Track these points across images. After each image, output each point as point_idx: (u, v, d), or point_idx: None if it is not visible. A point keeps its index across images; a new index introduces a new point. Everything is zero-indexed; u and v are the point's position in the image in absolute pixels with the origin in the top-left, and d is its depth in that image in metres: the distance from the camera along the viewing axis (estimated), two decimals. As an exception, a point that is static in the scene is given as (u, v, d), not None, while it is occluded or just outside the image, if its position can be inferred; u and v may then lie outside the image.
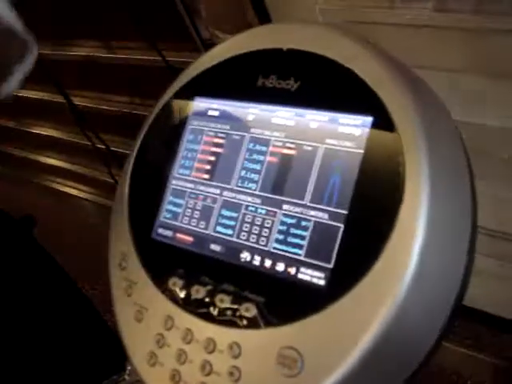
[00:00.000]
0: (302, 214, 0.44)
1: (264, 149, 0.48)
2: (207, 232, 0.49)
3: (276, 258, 0.44)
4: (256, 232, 0.46)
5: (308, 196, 0.44)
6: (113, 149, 1.76)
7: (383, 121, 0.42)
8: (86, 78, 1.85)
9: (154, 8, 1.33)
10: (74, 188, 2.66)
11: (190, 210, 0.50)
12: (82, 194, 2.63)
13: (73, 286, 1.10)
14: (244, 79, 0.51)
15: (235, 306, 0.44)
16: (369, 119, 0.43)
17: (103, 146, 1.76)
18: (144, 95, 1.69)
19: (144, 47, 1.43)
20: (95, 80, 1.84)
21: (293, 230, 0.44)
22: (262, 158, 0.48)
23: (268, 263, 0.44)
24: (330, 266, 0.41)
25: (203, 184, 0.51)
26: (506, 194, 0.98)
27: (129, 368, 0.58)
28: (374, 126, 0.43)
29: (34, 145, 2.65)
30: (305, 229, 0.44)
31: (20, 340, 0.96)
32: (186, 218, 0.50)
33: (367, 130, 0.43)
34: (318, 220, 0.43)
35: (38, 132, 2.48)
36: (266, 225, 0.46)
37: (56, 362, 0.98)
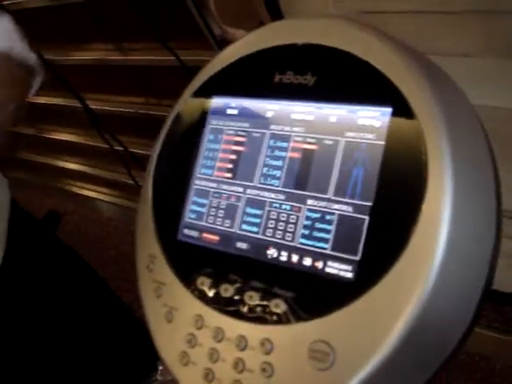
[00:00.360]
0: (326, 208, 0.44)
1: (285, 145, 0.48)
2: (233, 230, 0.49)
3: (303, 252, 0.44)
4: (281, 228, 0.46)
5: (331, 190, 0.44)
6: (131, 150, 1.76)
7: (402, 110, 0.42)
8: (100, 81, 1.86)
9: (165, 7, 1.33)
10: (95, 191, 2.68)
11: (214, 210, 0.51)
12: (102, 197, 2.64)
13: (102, 284, 1.11)
14: (261, 76, 0.51)
15: (265, 303, 0.44)
16: (388, 110, 0.43)
17: (121, 148, 1.76)
18: (159, 95, 1.70)
19: (156, 47, 1.44)
20: (110, 83, 1.85)
21: (318, 225, 0.44)
22: (283, 154, 0.48)
23: (295, 258, 0.45)
24: (357, 258, 0.41)
25: (226, 183, 0.51)
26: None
27: (160, 368, 0.59)
28: (394, 116, 0.43)
29: (54, 150, 2.67)
30: (330, 223, 0.44)
31: (52, 340, 0.97)
32: (210, 217, 0.51)
33: (387, 120, 0.43)
34: (342, 213, 0.43)
35: (56, 137, 2.51)
36: (291, 220, 0.46)
37: (88, 362, 0.99)
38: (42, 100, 2.23)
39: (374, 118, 0.44)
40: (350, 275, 0.41)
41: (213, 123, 0.53)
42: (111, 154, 1.84)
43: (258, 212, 0.48)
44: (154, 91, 1.69)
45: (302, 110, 0.48)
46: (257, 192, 0.48)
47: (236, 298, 0.46)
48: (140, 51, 1.56)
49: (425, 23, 0.81)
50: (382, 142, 0.43)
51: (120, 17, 1.47)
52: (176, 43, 1.37)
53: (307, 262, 0.44)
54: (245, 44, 0.53)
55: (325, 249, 0.43)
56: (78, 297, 1.03)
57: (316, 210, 0.45)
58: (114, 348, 1.01)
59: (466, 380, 1.47)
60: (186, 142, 0.55)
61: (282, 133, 0.48)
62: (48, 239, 1.11)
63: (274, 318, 0.43)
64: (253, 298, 0.45)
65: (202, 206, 0.52)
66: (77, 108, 1.73)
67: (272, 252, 0.46)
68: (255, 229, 0.47)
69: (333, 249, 0.43)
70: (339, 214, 0.43)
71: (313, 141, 0.46)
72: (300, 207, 0.45)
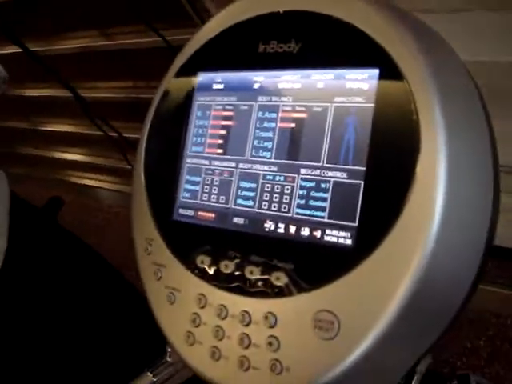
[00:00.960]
0: (320, 175, 0.44)
1: (274, 115, 0.47)
2: (228, 206, 0.48)
3: (300, 223, 0.44)
4: (277, 200, 0.45)
5: (324, 157, 0.44)
6: (126, 135, 1.76)
7: (390, 71, 0.41)
8: (87, 68, 1.85)
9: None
10: (94, 179, 2.68)
11: (208, 187, 0.50)
12: (102, 184, 2.64)
13: (109, 267, 1.11)
14: (244, 48, 0.50)
15: (265, 277, 0.44)
16: (375, 71, 0.42)
17: (115, 134, 1.76)
18: (147, 78, 1.69)
19: (141, 30, 1.43)
20: (97, 69, 1.84)
21: (313, 193, 0.44)
22: (272, 125, 0.47)
23: (293, 229, 0.44)
24: (355, 224, 0.41)
25: (218, 159, 0.50)
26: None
27: (169, 350, 0.59)
28: (382, 77, 0.42)
29: (49, 142, 2.66)
30: (325, 190, 0.43)
31: (61, 324, 0.97)
32: (205, 195, 0.50)
33: (375, 82, 0.42)
34: (337, 180, 0.43)
35: (51, 129, 2.50)
36: (286, 191, 0.45)
37: (97, 346, 0.99)
38: (33, 93, 2.22)
39: (361, 81, 0.43)
40: (349, 242, 0.41)
41: (200, 99, 0.52)
42: (106, 140, 1.83)
43: (252, 185, 0.47)
44: (142, 74, 1.68)
45: (289, 79, 0.47)
46: (249, 165, 0.48)
47: (237, 273, 0.46)
48: (125, 35, 1.54)
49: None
50: (372, 105, 0.42)
51: (102, 1, 1.45)
52: (161, 24, 1.36)
53: (305, 232, 0.43)
54: (226, 16, 0.52)
55: (322, 217, 0.43)
56: (84, 280, 1.03)
57: (310, 179, 0.44)
58: (124, 331, 1.01)
59: (478, 337, 1.48)
60: (174, 121, 0.54)
61: (270, 103, 0.48)
62: (50, 225, 1.11)
63: (276, 290, 0.43)
64: (253, 273, 0.45)
65: (196, 184, 0.51)
66: (68, 98, 1.72)
67: (269, 225, 0.45)
68: (250, 203, 0.47)
69: (330, 217, 0.42)
70: (334, 181, 0.43)
71: (302, 109, 0.46)
72: (294, 177, 0.45)
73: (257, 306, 0.44)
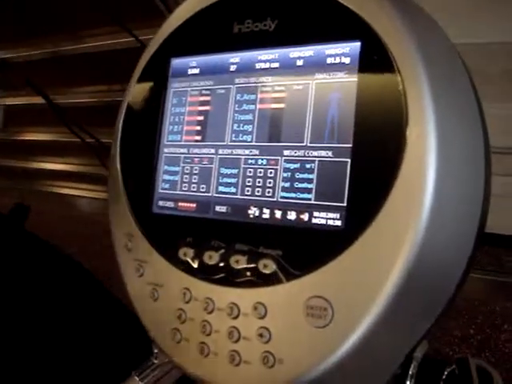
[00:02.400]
0: (304, 156, 0.42)
1: (253, 97, 0.45)
2: (209, 194, 0.46)
3: (286, 207, 0.42)
4: (260, 184, 0.44)
5: (307, 137, 0.42)
6: (102, 140, 1.73)
7: (372, 43, 0.40)
8: (60, 73, 1.82)
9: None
10: (74, 188, 2.64)
11: (187, 176, 0.48)
12: (82, 193, 2.61)
13: (87, 275, 1.09)
14: (218, 29, 0.48)
15: (252, 265, 0.42)
16: (357, 44, 0.41)
17: (93, 140, 1.73)
18: (121, 80, 1.66)
19: (112, 31, 1.41)
20: (70, 74, 1.81)
21: (298, 175, 0.42)
22: (252, 107, 0.45)
23: (278, 214, 0.42)
24: (344, 204, 0.39)
25: (196, 146, 0.48)
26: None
27: (156, 351, 0.57)
28: (363, 50, 0.40)
29: (26, 152, 2.62)
30: (310, 171, 0.41)
31: (42, 331, 0.95)
32: (184, 184, 0.48)
33: (357, 55, 0.40)
34: (322, 159, 0.41)
35: (28, 138, 2.46)
36: (269, 175, 0.43)
37: (81, 352, 0.97)
38: (8, 102, 2.19)
39: (343, 55, 0.41)
40: (338, 223, 0.39)
41: (175, 86, 0.51)
42: (84, 147, 1.80)
43: (234, 171, 0.45)
44: (116, 77, 1.66)
45: (267, 58, 0.45)
46: (229, 150, 0.46)
47: (222, 264, 0.44)
48: (96, 37, 1.52)
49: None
50: (355, 79, 0.40)
51: (71, 4, 1.43)
52: (132, 24, 1.34)
53: (291, 216, 0.42)
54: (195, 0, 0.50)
55: (308, 199, 0.41)
56: (60, 287, 1.01)
57: (294, 161, 0.42)
58: (106, 336, 0.99)
59: (467, 325, 1.47)
60: (149, 111, 0.52)
61: (249, 85, 0.46)
62: (16, 231, 1.09)
63: (264, 279, 0.41)
64: (239, 262, 0.43)
65: (175, 174, 0.49)
66: (43, 105, 1.69)
67: (253, 211, 0.44)
68: (233, 189, 0.45)
69: (317, 198, 0.41)
70: (319, 161, 0.41)
71: (281, 88, 0.44)
72: (277, 160, 0.43)
73: (245, 297, 0.42)
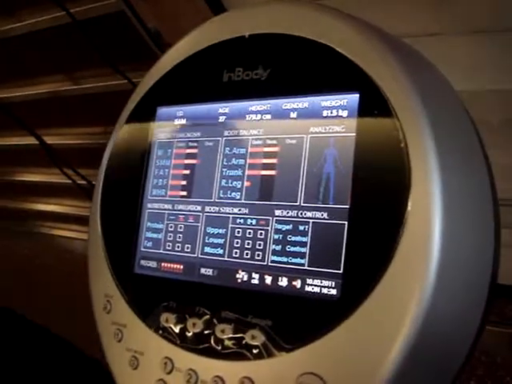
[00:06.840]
0: (297, 217, 0.39)
1: (243, 151, 0.43)
2: (195, 255, 0.43)
3: (276, 272, 0.39)
4: (249, 247, 0.41)
5: (301, 195, 0.39)
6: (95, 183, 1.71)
7: (372, 95, 0.37)
8: (54, 114, 1.81)
9: (109, 31, 1.29)
10: (65, 229, 2.62)
11: (171, 234, 0.45)
12: (74, 235, 2.58)
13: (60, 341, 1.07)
14: (208, 77, 0.46)
15: (239, 335, 0.39)
16: (355, 96, 0.38)
17: (84, 182, 1.71)
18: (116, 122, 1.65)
19: (106, 73, 1.40)
20: (64, 115, 1.80)
21: (290, 238, 0.39)
22: (241, 161, 0.43)
23: (268, 280, 0.39)
24: (340, 271, 0.36)
25: (182, 202, 0.45)
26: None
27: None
28: (362, 102, 0.38)
29: (18, 193, 2.61)
30: (304, 234, 0.38)
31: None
32: (168, 243, 0.45)
33: (355, 108, 0.38)
34: (317, 221, 0.38)
35: (19, 179, 2.45)
36: (259, 236, 0.40)
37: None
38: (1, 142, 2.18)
39: (340, 108, 0.39)
40: (333, 292, 0.36)
41: (160, 137, 0.48)
42: (75, 189, 1.78)
43: (221, 231, 0.42)
44: (112, 119, 1.65)
45: (258, 109, 0.43)
46: (217, 208, 0.43)
47: (206, 332, 0.41)
48: (90, 79, 1.51)
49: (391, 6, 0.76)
50: (353, 134, 0.38)
51: (66, 46, 1.42)
52: (126, 66, 1.33)
53: (283, 282, 0.39)
54: (186, 44, 0.48)
55: (301, 265, 0.38)
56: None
57: (286, 221, 0.39)
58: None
59: (468, 377, 1.43)
60: (132, 163, 0.49)
61: (238, 138, 0.43)
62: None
63: (253, 351, 0.38)
64: (225, 332, 0.40)
65: (158, 231, 0.46)
66: (35, 146, 1.68)
67: (241, 275, 0.41)
68: (220, 251, 0.42)
69: (310, 264, 0.38)
70: (313, 223, 0.38)
71: (274, 142, 0.41)
72: (267, 220, 0.40)
73: (231, 371, 0.39)
